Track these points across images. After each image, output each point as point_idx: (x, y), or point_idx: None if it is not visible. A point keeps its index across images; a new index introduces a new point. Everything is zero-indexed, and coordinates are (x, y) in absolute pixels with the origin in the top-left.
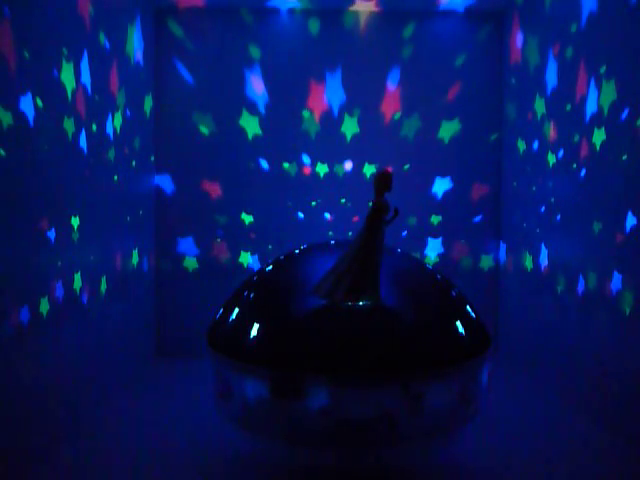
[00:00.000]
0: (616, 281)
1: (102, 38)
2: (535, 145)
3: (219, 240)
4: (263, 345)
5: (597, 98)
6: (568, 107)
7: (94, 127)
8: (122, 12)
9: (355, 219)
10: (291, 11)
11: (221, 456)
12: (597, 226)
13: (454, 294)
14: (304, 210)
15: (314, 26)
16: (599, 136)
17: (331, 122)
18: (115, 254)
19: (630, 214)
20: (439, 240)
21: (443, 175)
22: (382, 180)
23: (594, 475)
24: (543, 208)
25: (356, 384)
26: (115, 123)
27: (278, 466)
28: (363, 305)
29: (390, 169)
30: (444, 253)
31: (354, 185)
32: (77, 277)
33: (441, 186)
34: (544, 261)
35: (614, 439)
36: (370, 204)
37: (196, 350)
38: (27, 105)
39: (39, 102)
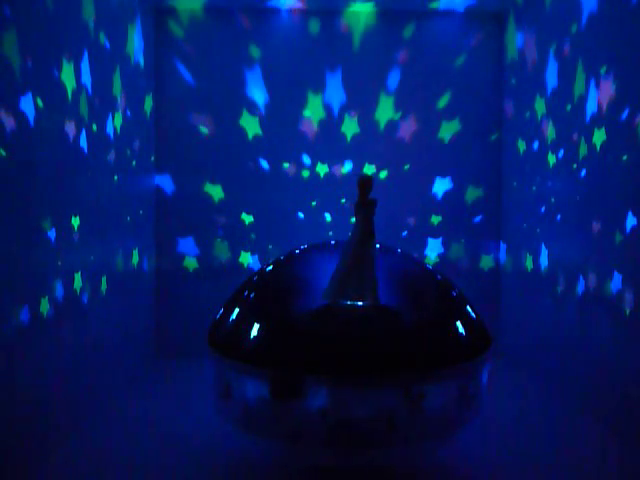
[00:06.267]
0: (616, 281)
1: (102, 38)
2: (535, 145)
3: (219, 240)
4: (263, 345)
5: (597, 98)
6: (568, 107)
7: (94, 127)
8: (122, 12)
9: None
10: (291, 11)
11: (221, 456)
12: (597, 226)
13: (454, 294)
14: (304, 210)
15: (314, 26)
16: (599, 136)
17: (331, 122)
18: (115, 254)
19: (630, 214)
20: (439, 240)
21: (443, 175)
22: (369, 182)
23: (594, 475)
24: (543, 208)
25: (356, 384)
26: (115, 123)
27: (278, 466)
28: (362, 305)
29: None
30: (444, 253)
31: (354, 185)
32: (77, 277)
33: (441, 186)
34: (544, 261)
35: (614, 439)
36: (356, 205)
37: (196, 350)
38: (27, 105)
39: (39, 102)
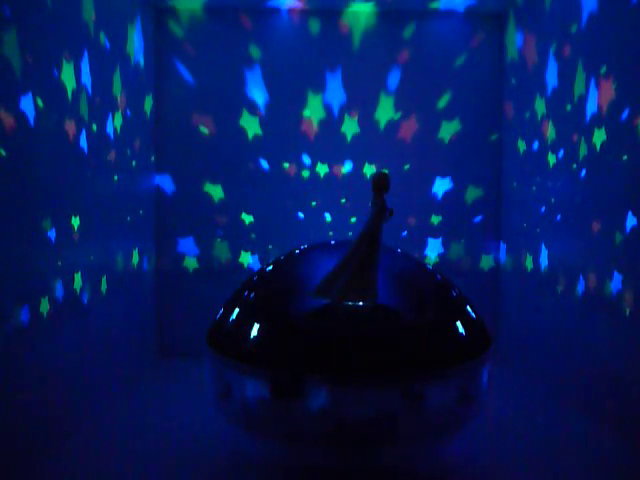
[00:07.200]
0: (616, 281)
1: (102, 38)
2: (535, 145)
3: (219, 240)
4: (263, 345)
5: (597, 98)
6: (568, 107)
7: (94, 127)
8: (122, 12)
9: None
10: (291, 11)
11: (221, 456)
12: (597, 226)
13: (454, 294)
14: (304, 210)
15: (314, 26)
16: (599, 136)
17: (331, 122)
18: (115, 254)
19: (630, 214)
20: (439, 240)
21: (443, 175)
22: (383, 181)
23: (594, 475)
24: (543, 208)
25: (356, 384)
26: (115, 123)
27: (278, 466)
28: (361, 305)
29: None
30: (444, 253)
31: (354, 185)
32: (77, 277)
33: (441, 186)
34: (544, 261)
35: (614, 438)
36: (371, 204)
37: (196, 350)
38: (28, 105)
39: (39, 102)
